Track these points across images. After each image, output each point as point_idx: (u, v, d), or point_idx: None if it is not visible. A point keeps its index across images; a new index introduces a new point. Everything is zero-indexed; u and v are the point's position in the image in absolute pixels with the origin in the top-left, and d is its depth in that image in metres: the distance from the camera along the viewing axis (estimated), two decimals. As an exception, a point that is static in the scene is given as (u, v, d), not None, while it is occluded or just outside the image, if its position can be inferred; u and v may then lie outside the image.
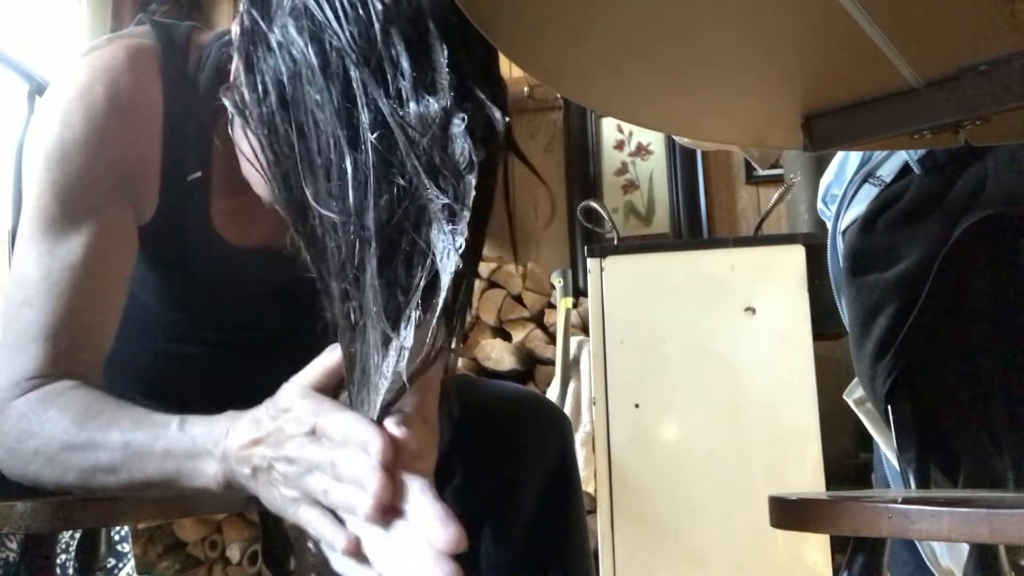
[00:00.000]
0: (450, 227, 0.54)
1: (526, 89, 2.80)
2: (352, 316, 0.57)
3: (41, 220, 0.72)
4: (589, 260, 2.01)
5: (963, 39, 0.59)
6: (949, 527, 0.65)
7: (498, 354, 2.44)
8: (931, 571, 1.12)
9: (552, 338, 2.47)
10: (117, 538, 1.36)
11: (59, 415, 0.68)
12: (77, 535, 0.95)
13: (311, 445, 0.58)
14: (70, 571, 0.98)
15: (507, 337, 2.54)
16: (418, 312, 0.54)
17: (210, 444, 0.63)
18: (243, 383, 0.72)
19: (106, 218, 0.74)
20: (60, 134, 0.73)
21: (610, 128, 2.88)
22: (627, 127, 2.87)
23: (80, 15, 2.53)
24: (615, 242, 2.42)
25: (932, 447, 1.04)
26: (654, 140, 2.85)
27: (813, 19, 0.57)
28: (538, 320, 2.55)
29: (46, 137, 0.73)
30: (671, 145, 2.78)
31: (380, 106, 0.54)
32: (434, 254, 0.54)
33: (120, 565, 1.37)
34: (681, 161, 2.78)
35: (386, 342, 0.55)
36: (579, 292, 2.44)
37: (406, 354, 0.55)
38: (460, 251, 0.53)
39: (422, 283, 0.54)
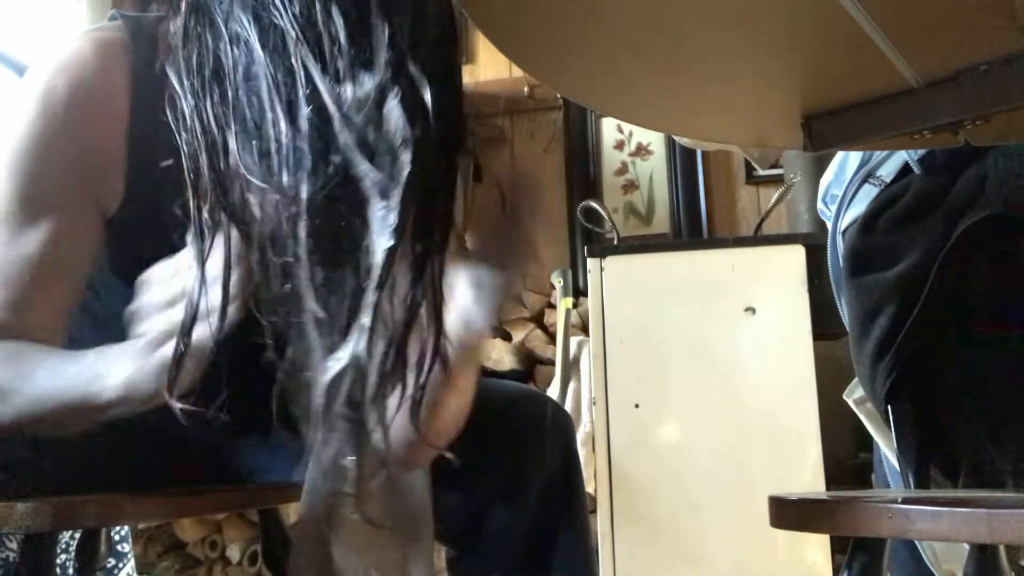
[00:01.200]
0: (382, 204, 0.54)
1: (526, 89, 2.80)
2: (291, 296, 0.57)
3: (2, 213, 0.75)
4: (589, 260, 2.01)
5: (963, 39, 0.59)
6: (949, 527, 0.65)
7: (498, 354, 2.44)
8: (931, 571, 1.12)
9: (552, 338, 2.47)
10: (117, 538, 1.36)
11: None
12: (77, 535, 0.95)
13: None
14: (70, 571, 0.98)
15: (507, 337, 2.54)
16: (374, 294, 0.55)
17: (118, 360, 0.66)
18: (232, 376, 0.72)
19: (66, 213, 0.76)
20: (22, 130, 0.75)
21: (610, 128, 2.87)
22: (627, 127, 2.87)
23: (80, 15, 2.53)
24: (615, 242, 2.42)
25: (932, 447, 1.04)
26: (654, 140, 2.84)
27: (813, 19, 0.57)
28: (538, 320, 2.55)
29: (10, 133, 0.76)
30: (671, 145, 2.78)
31: (317, 83, 0.54)
32: (371, 233, 0.55)
33: (120, 565, 1.37)
34: (681, 161, 2.78)
35: (321, 323, 0.56)
36: (579, 292, 2.44)
37: (366, 335, 0.55)
38: (393, 228, 0.54)
39: (366, 263, 0.55)
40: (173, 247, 0.80)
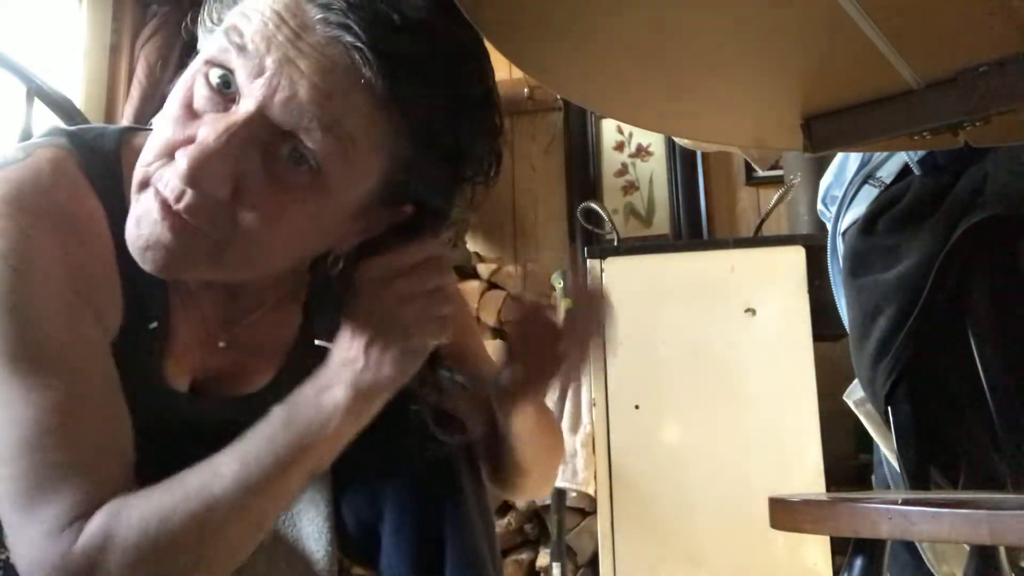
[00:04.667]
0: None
1: (526, 90, 2.79)
2: None
3: (7, 358, 0.61)
4: (589, 261, 2.01)
5: (963, 40, 0.59)
6: (949, 528, 0.65)
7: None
8: (931, 572, 1.12)
9: (552, 339, 2.47)
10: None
11: (146, 504, 0.61)
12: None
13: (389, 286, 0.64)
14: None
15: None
16: None
17: (320, 383, 0.64)
18: None
19: (81, 336, 0.65)
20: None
21: (610, 129, 2.87)
22: (627, 128, 2.86)
23: (80, 16, 2.53)
24: (615, 243, 2.42)
25: (932, 448, 1.04)
26: (654, 141, 2.84)
27: (813, 21, 0.57)
28: (538, 321, 2.55)
29: None
30: (671, 146, 2.78)
31: None
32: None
33: (120, 566, 1.36)
34: (681, 162, 2.78)
35: None
36: (579, 293, 2.44)
37: None
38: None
39: None
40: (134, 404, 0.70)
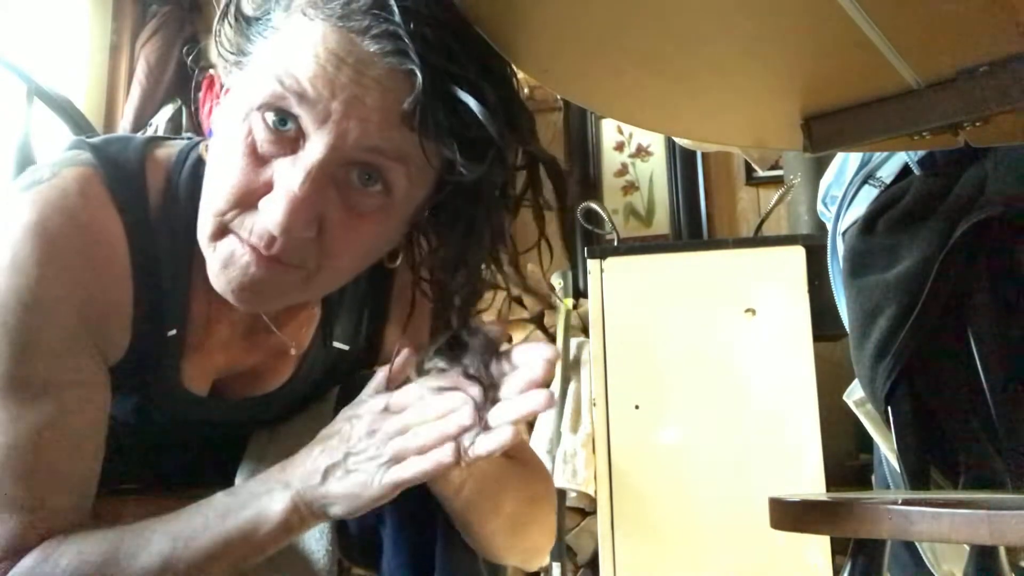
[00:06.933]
0: None
1: (526, 90, 2.78)
2: None
3: (1, 382, 0.65)
4: (589, 261, 2.01)
5: (962, 41, 0.59)
6: (949, 528, 0.65)
7: (498, 355, 2.43)
8: (931, 572, 1.12)
9: (552, 339, 2.47)
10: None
11: (75, 554, 0.63)
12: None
13: (390, 417, 0.63)
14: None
15: (507, 338, 2.53)
16: None
17: (270, 483, 0.65)
18: None
19: (74, 369, 0.67)
20: (11, 282, 0.65)
21: (610, 129, 2.87)
22: (627, 128, 2.86)
23: (80, 16, 2.53)
24: (615, 243, 2.42)
25: (932, 448, 1.04)
26: (654, 141, 2.84)
27: (812, 21, 0.57)
28: (538, 321, 2.55)
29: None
30: (671, 146, 2.78)
31: None
32: None
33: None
34: (681, 162, 2.78)
35: None
36: (579, 293, 2.44)
37: None
38: None
39: None
40: (149, 403, 0.75)
